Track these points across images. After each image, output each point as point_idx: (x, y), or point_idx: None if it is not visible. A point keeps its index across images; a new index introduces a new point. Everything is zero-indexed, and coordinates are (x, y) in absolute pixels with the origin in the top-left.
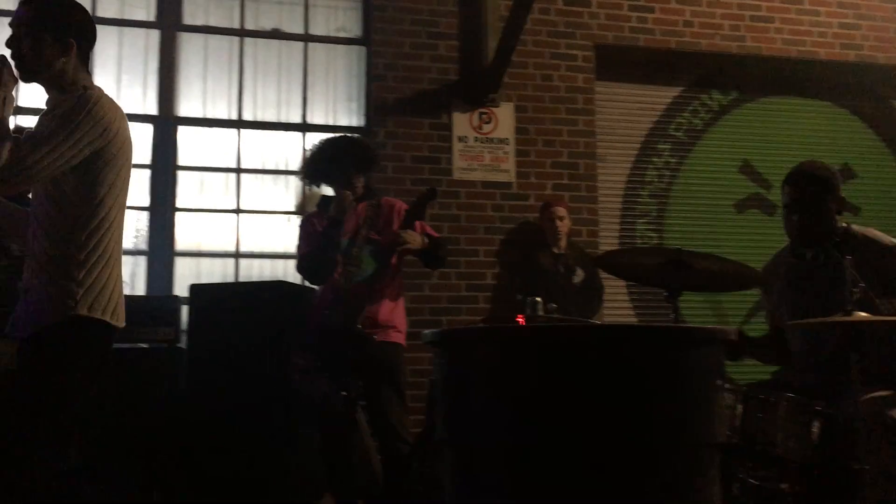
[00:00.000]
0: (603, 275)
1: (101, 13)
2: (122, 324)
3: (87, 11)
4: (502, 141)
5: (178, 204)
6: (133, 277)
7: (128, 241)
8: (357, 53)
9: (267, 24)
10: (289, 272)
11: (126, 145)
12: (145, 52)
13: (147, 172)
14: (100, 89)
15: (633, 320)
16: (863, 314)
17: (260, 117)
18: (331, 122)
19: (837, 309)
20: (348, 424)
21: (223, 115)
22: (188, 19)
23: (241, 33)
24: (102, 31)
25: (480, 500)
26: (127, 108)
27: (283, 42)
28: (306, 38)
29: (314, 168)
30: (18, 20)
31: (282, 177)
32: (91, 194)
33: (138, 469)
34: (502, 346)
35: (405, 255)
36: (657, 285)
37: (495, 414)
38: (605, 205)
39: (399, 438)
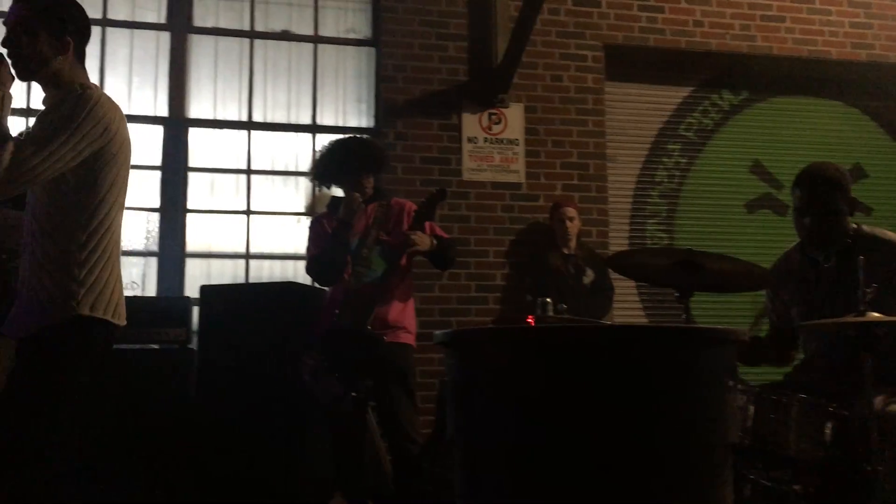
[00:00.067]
0: (613, 275)
1: (111, 15)
2: (123, 322)
3: (82, 8)
4: (512, 142)
5: (189, 205)
6: (144, 278)
7: (139, 243)
8: (367, 54)
9: (277, 26)
10: (299, 273)
11: (125, 145)
12: (156, 54)
13: (158, 174)
14: (97, 88)
15: (644, 321)
16: (875, 314)
17: (270, 118)
18: (341, 124)
19: (850, 309)
20: (358, 425)
21: (233, 117)
22: (198, 21)
23: (251, 35)
24: (113, 34)
25: (490, 500)
26: (138, 110)
27: (293, 43)
28: (316, 39)
29: (324, 169)
30: (14, 18)
31: (292, 178)
32: (91, 194)
33: (146, 470)
34: (513, 346)
35: (415, 255)
36: (668, 286)
37: (506, 414)
38: (615, 205)
39: (409, 439)
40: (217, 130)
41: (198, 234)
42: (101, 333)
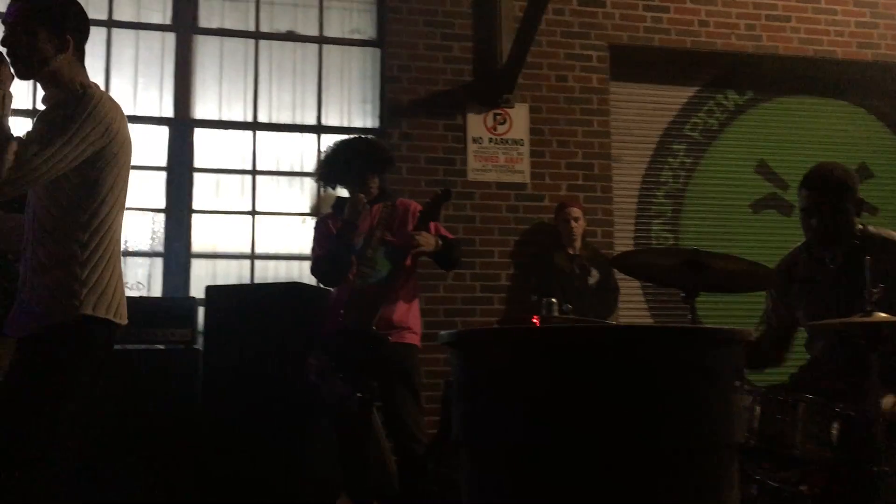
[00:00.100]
0: (618, 275)
1: (117, 16)
2: (124, 322)
3: (81, 6)
4: (517, 142)
5: (195, 206)
6: (150, 279)
7: (144, 243)
8: (371, 55)
9: (282, 27)
10: (304, 274)
11: (126, 145)
12: (161, 54)
13: (163, 175)
14: (98, 87)
15: (649, 321)
16: (883, 315)
17: (275, 119)
18: (345, 124)
19: (856, 310)
20: (363, 425)
21: (239, 118)
22: (204, 22)
23: (257, 36)
24: (119, 35)
25: (496, 500)
26: (143, 111)
27: (298, 44)
28: (321, 40)
29: (329, 170)
30: (13, 16)
31: (297, 178)
32: (93, 194)
33: (151, 470)
34: (518, 347)
35: (420, 256)
36: (674, 286)
37: (511, 415)
38: (620, 205)
39: (414, 439)
40: (222, 131)
41: (203, 234)
42: (103, 333)
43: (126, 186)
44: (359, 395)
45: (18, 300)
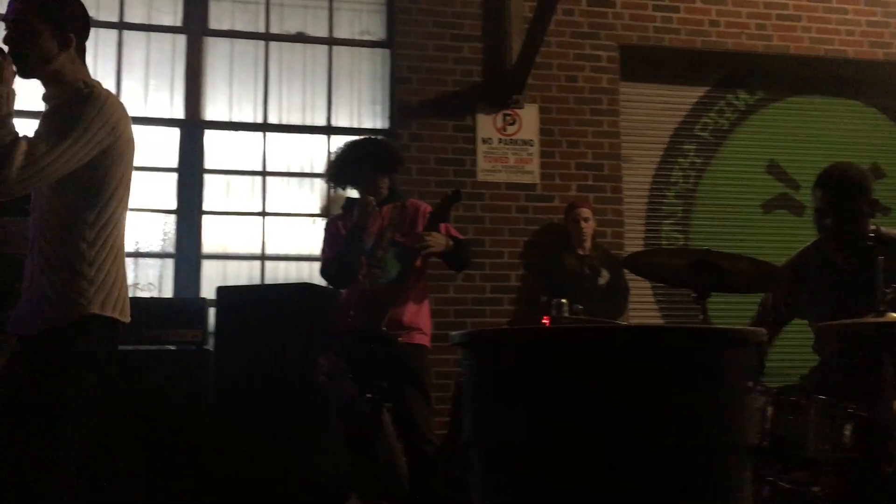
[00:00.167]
0: (628, 276)
1: (128, 18)
2: (128, 320)
3: (82, 3)
4: (526, 142)
5: (205, 207)
6: (161, 280)
7: (155, 244)
8: (381, 56)
9: (292, 28)
10: (314, 274)
11: (131, 144)
12: (172, 56)
13: (174, 176)
14: (100, 84)
15: (659, 322)
16: (895, 315)
17: (285, 120)
18: (355, 125)
19: (869, 310)
20: (374, 426)
21: (249, 119)
22: (214, 24)
23: (267, 37)
24: (130, 36)
25: (506, 501)
26: (154, 113)
27: (308, 45)
28: (331, 41)
29: (339, 170)
30: (15, 15)
31: (307, 179)
32: (99, 192)
33: (161, 470)
34: (530, 347)
35: (429, 257)
36: (685, 286)
37: (522, 415)
38: (630, 206)
39: (424, 440)
40: (232, 132)
41: (214, 235)
42: (110, 331)
43: (130, 185)
44: (369, 395)
45: (24, 298)
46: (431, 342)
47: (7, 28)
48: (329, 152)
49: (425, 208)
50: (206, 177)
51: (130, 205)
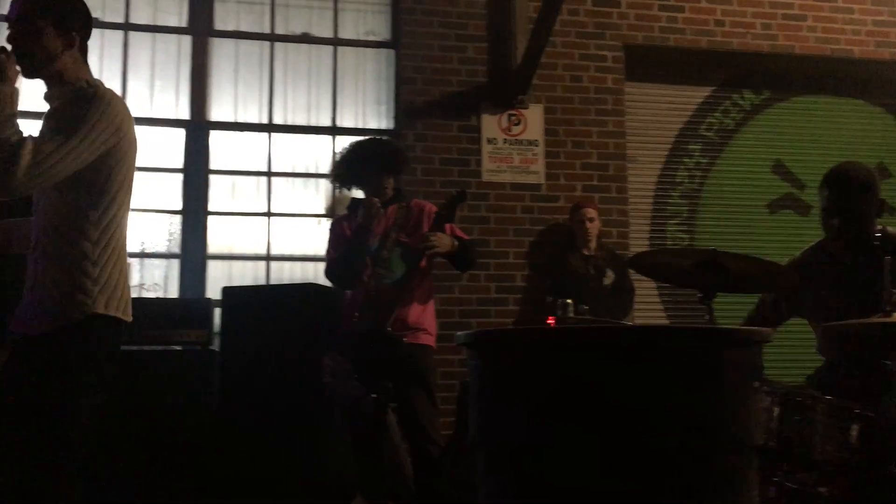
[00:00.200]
0: (634, 276)
1: (134, 19)
2: (129, 319)
3: (85, 2)
4: (531, 143)
5: (211, 207)
6: (166, 280)
7: (161, 245)
8: (386, 56)
9: (297, 29)
10: (319, 275)
11: (133, 144)
12: (178, 57)
13: (180, 176)
14: (102, 84)
15: (665, 322)
16: None
17: (290, 121)
18: (360, 125)
19: (876, 310)
20: (379, 426)
21: (254, 119)
22: (219, 25)
23: (272, 38)
24: (135, 38)
25: (512, 501)
26: (159, 113)
27: (313, 46)
28: (335, 41)
29: (344, 171)
30: (19, 14)
31: (312, 180)
32: (103, 192)
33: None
34: (535, 347)
35: (435, 257)
36: (692, 287)
37: (527, 415)
38: (636, 206)
39: (430, 440)
40: (238, 133)
41: (219, 235)
42: (113, 331)
43: (132, 186)
44: (374, 396)
45: (27, 298)
46: (436, 342)
47: (11, 27)
48: (334, 153)
49: (430, 209)
50: (212, 177)
51: (136, 205)
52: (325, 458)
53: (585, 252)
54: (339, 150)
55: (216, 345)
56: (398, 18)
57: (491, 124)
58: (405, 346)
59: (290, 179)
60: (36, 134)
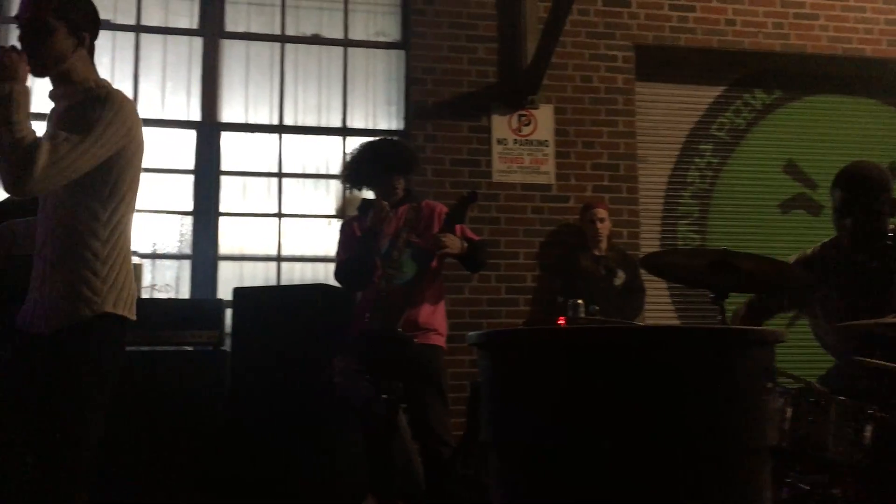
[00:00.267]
0: (644, 277)
1: (145, 21)
2: (134, 318)
3: (93, 3)
4: (542, 143)
5: (222, 208)
6: (178, 281)
7: (172, 246)
8: (396, 57)
9: (307, 30)
10: (329, 276)
11: (141, 146)
12: (189, 59)
13: (191, 178)
14: (110, 84)
15: (676, 323)
16: None
17: (301, 122)
18: (370, 126)
19: (889, 310)
20: (389, 427)
21: (265, 121)
22: (230, 26)
23: (282, 39)
24: (147, 39)
25: (523, 501)
26: (171, 115)
27: (323, 47)
28: (346, 43)
29: (355, 171)
30: (31, 13)
31: (322, 180)
32: (113, 192)
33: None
34: (546, 348)
35: (445, 258)
36: (704, 287)
37: (538, 416)
38: (646, 206)
39: (440, 441)
40: (249, 134)
41: (230, 236)
42: (122, 330)
43: (138, 187)
44: (384, 396)
45: (33, 297)
46: (447, 343)
47: (22, 27)
48: (344, 153)
49: (441, 209)
50: (223, 178)
51: (147, 206)
52: (335, 458)
53: (596, 252)
54: (349, 150)
55: (227, 345)
56: (408, 19)
57: (501, 125)
58: (416, 346)
59: (301, 180)
60: (40, 133)
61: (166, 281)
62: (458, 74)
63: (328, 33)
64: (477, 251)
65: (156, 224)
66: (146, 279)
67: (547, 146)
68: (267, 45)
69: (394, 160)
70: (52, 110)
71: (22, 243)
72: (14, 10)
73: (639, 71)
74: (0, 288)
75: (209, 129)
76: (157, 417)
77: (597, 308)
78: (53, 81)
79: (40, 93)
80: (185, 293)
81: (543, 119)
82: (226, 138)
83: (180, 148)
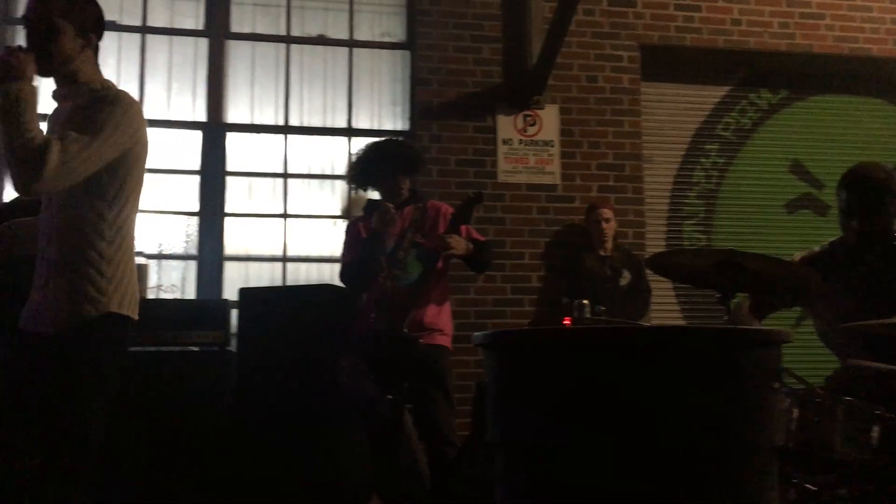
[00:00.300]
0: (650, 277)
1: (151, 22)
2: (136, 318)
3: (98, 4)
4: (547, 143)
5: (227, 209)
6: (183, 282)
7: (178, 246)
8: (401, 58)
9: (312, 31)
10: (335, 276)
11: (146, 146)
12: (194, 59)
13: (197, 178)
14: (114, 84)
15: (682, 323)
16: None
17: (306, 122)
18: (376, 127)
19: (893, 310)
20: (395, 427)
21: (270, 121)
22: (236, 27)
23: (288, 40)
24: (153, 40)
25: (528, 501)
26: (176, 115)
27: (329, 48)
28: (351, 43)
29: (360, 172)
30: (39, 14)
31: (328, 181)
32: (119, 192)
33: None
34: (552, 348)
35: (451, 258)
36: (710, 287)
37: (544, 416)
38: (652, 206)
39: (446, 441)
40: (254, 135)
41: (236, 237)
42: (125, 330)
43: (142, 187)
44: (390, 397)
45: (37, 297)
46: (452, 343)
47: (30, 27)
48: (350, 154)
49: (446, 210)
50: (228, 179)
51: (153, 207)
52: (340, 458)
53: (601, 253)
54: (355, 151)
55: (233, 346)
56: (413, 20)
57: (506, 125)
58: (421, 346)
59: (307, 181)
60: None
61: (172, 281)
62: (463, 75)
63: (333, 34)
64: (482, 252)
65: (162, 224)
66: (152, 279)
67: (552, 146)
68: (272, 45)
69: (399, 161)
70: (55, 110)
71: (24, 243)
72: (21, 10)
73: (644, 71)
74: (1, 288)
75: (215, 130)
76: (162, 418)
77: (602, 308)
78: (59, 82)
79: (40, 93)
80: (190, 293)
81: (549, 119)
82: (231, 139)
83: (186, 149)
